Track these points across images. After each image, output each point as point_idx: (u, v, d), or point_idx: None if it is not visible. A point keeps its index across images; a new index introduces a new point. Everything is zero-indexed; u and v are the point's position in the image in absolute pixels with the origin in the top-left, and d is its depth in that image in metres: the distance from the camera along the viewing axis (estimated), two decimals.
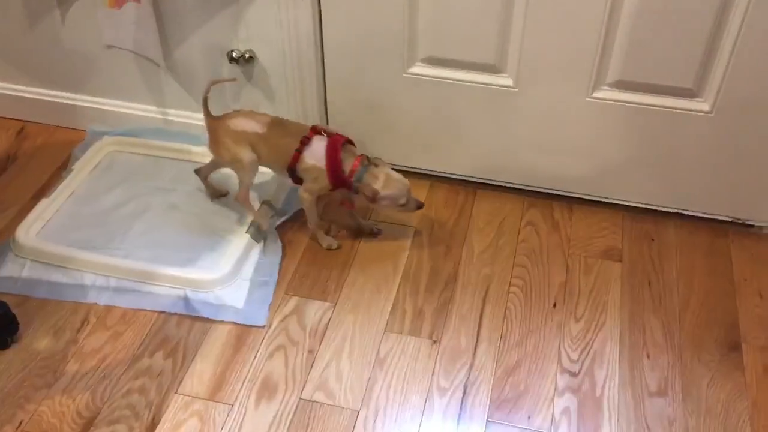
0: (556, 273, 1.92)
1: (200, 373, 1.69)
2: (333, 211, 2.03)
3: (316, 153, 1.82)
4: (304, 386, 1.66)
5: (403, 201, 1.83)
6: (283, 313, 1.82)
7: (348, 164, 1.82)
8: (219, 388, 1.66)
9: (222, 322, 1.79)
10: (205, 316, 1.80)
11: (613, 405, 1.62)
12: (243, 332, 1.77)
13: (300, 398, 1.64)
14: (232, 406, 1.63)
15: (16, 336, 1.73)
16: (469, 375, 1.69)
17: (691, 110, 1.84)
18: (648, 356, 1.72)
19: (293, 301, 1.85)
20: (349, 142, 1.87)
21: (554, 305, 1.84)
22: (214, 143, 1.91)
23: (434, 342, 1.76)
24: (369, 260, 1.96)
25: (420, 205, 1.86)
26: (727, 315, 1.81)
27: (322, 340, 1.76)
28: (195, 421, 1.60)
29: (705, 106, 1.83)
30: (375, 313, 1.82)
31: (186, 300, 1.82)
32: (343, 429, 1.58)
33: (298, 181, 1.89)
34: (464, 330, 1.78)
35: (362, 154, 1.85)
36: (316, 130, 1.84)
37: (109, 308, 1.81)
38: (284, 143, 1.84)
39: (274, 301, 1.84)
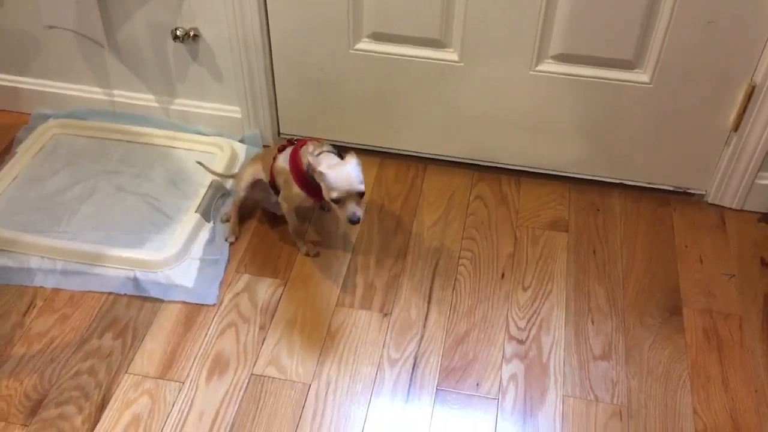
0: (504, 244, 1.95)
1: (150, 352, 1.68)
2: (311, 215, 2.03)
3: (283, 159, 1.77)
4: (255, 362, 1.67)
5: (335, 195, 1.61)
6: (234, 290, 1.82)
7: (307, 152, 1.72)
8: (169, 367, 1.66)
9: (172, 301, 1.79)
10: (155, 296, 1.79)
11: (559, 369, 1.66)
12: (194, 311, 1.77)
13: (252, 374, 1.65)
14: (183, 383, 1.63)
15: None
16: (419, 346, 1.71)
17: (631, 81, 1.88)
18: (592, 322, 1.76)
19: (244, 279, 1.85)
20: (317, 141, 1.77)
21: (502, 275, 1.87)
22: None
23: (385, 315, 1.78)
24: (319, 237, 1.97)
25: (354, 219, 1.62)
26: (668, 280, 1.86)
27: (273, 316, 1.77)
28: (145, 399, 1.59)
29: (645, 78, 1.87)
30: (326, 289, 1.83)
31: (135, 281, 1.81)
32: (295, 402, 1.60)
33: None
34: (414, 302, 1.80)
35: (316, 146, 1.73)
36: (286, 143, 1.81)
37: (56, 291, 1.79)
38: (269, 156, 1.85)
39: (224, 279, 1.84)
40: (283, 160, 1.76)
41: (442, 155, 2.16)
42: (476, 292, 1.83)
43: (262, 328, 1.74)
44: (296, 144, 1.77)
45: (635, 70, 1.87)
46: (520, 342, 1.72)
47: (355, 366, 1.67)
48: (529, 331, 1.74)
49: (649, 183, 2.09)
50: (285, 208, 1.82)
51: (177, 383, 1.62)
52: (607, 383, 1.64)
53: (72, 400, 1.58)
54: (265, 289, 1.83)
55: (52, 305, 1.76)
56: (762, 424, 1.56)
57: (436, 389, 1.63)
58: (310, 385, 1.63)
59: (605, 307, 1.80)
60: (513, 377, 1.65)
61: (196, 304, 1.78)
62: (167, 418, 1.56)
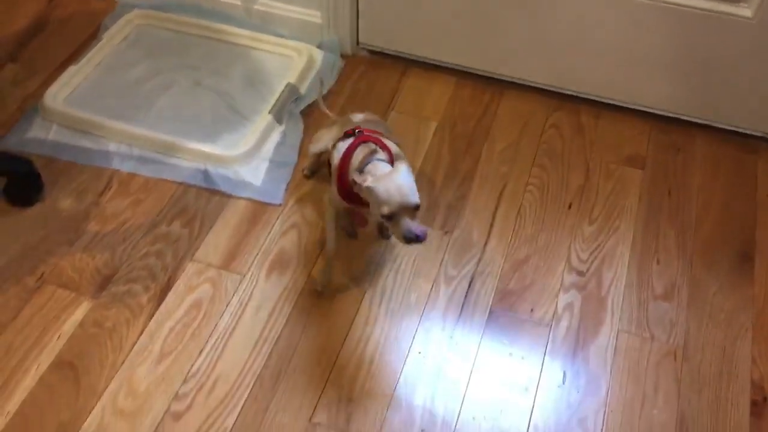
0: (575, 176, 1.90)
1: (215, 243, 1.73)
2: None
3: (338, 152, 1.50)
4: (315, 264, 1.70)
5: (386, 210, 1.33)
6: (300, 193, 1.84)
7: (357, 158, 1.45)
8: (232, 259, 1.71)
9: (239, 197, 1.82)
10: (224, 190, 1.83)
11: (617, 304, 1.64)
12: (259, 209, 1.81)
13: (310, 275, 1.68)
14: (244, 276, 1.67)
15: (40, 195, 1.79)
16: (477, 266, 1.71)
17: (733, 15, 1.77)
18: (658, 262, 1.72)
19: (310, 184, 1.87)
20: (380, 143, 1.47)
21: (569, 206, 1.83)
22: None
23: (446, 233, 1.77)
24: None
25: (411, 237, 1.34)
26: (744, 229, 1.79)
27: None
28: (208, 286, 1.65)
29: (748, 12, 1.75)
30: None
31: (206, 173, 1.85)
32: (349, 307, 1.63)
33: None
34: (477, 224, 1.79)
35: (375, 148, 1.46)
36: (354, 129, 1.52)
37: (132, 176, 1.85)
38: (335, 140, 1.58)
39: (291, 182, 1.87)
40: (338, 153, 1.50)
41: (522, 79, 2.10)
42: (540, 221, 1.80)
43: (324, 231, 1.76)
44: (356, 137, 1.49)
45: (738, 3, 1.75)
46: (580, 273, 1.70)
47: (411, 279, 1.69)
48: (591, 264, 1.72)
49: (737, 127, 1.99)
50: (326, 210, 1.61)
51: (238, 275, 1.67)
52: (665, 323, 1.61)
53: (140, 279, 1.65)
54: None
55: (127, 189, 1.82)
56: None
57: (490, 310, 1.63)
58: (365, 292, 1.66)
59: (673, 248, 1.75)
60: (568, 307, 1.64)
61: (262, 202, 1.82)
62: (227, 306, 1.62)
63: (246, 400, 1.47)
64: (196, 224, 1.77)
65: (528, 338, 1.59)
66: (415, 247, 1.73)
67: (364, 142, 1.47)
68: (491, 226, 1.79)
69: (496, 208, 1.83)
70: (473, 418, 1.47)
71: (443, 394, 1.50)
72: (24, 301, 1.60)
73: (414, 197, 1.35)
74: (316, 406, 1.47)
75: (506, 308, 1.64)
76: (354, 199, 1.45)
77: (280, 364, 1.53)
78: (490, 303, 1.64)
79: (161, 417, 1.44)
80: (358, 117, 1.64)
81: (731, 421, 1.46)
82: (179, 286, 1.65)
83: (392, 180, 1.35)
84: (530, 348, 1.57)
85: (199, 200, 1.82)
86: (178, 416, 1.44)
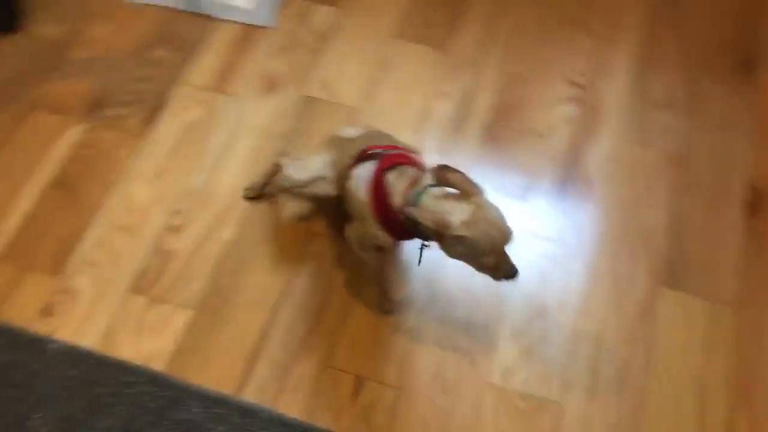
0: None
1: (206, 67, 1.69)
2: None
3: (360, 180, 1.24)
4: (307, 84, 1.67)
5: (492, 261, 1.13)
6: (292, 15, 1.78)
7: (399, 189, 1.19)
8: (224, 81, 1.67)
9: (230, 21, 1.76)
10: (214, 14, 1.77)
11: (616, 114, 1.62)
12: (250, 32, 1.75)
13: (301, 94, 1.66)
14: (237, 97, 1.65)
15: (20, 20, 1.73)
16: (473, 82, 1.67)
17: None
18: (657, 71, 1.68)
19: (303, 5, 1.80)
20: (411, 162, 1.23)
21: (569, 20, 1.77)
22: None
23: (443, 50, 1.72)
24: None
25: (512, 274, 1.15)
26: (752, 39, 1.73)
27: (327, 43, 1.74)
28: (200, 108, 1.63)
29: None
30: (384, 20, 1.77)
31: None
32: (343, 120, 1.60)
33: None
34: (474, 43, 1.74)
35: (421, 173, 1.21)
36: (368, 150, 1.25)
37: (116, 1, 1.79)
38: (346, 155, 1.29)
39: (283, 4, 1.80)
40: (359, 182, 1.23)
41: None
42: (538, 32, 1.75)
43: (316, 52, 1.72)
44: (381, 160, 1.22)
45: None
46: (579, 86, 1.66)
47: (406, 95, 1.66)
48: (590, 76, 1.68)
49: None
50: (354, 245, 1.32)
51: (231, 96, 1.65)
52: (662, 131, 1.59)
53: (130, 103, 1.63)
54: (324, 15, 1.78)
55: (111, 15, 1.76)
56: None
57: (487, 124, 1.61)
58: (358, 109, 1.63)
59: (674, 57, 1.70)
60: (567, 119, 1.62)
61: (254, 25, 1.76)
62: (220, 127, 1.60)
63: (243, 214, 1.48)
64: (186, 49, 1.72)
65: (525, 150, 1.58)
66: (410, 63, 1.70)
67: (393, 165, 1.21)
68: (487, 42, 1.74)
69: (495, 28, 1.77)
70: None
71: None
72: (14, 126, 1.58)
73: (511, 230, 1.13)
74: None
75: (503, 122, 1.61)
76: (407, 233, 1.21)
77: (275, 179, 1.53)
78: (487, 117, 1.62)
79: (161, 231, 1.46)
80: (350, 132, 1.35)
81: (724, 220, 1.48)
82: (171, 108, 1.62)
83: (486, 221, 1.11)
84: (527, 159, 1.56)
85: (189, 25, 1.76)
86: (177, 229, 1.46)
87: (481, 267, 1.13)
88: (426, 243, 1.21)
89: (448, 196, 1.14)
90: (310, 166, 1.36)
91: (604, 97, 1.65)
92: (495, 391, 1.28)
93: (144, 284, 1.39)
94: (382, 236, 1.23)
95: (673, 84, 1.66)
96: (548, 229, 1.47)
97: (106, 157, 1.55)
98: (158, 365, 1.30)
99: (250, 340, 1.33)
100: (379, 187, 1.19)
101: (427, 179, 1.18)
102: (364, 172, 1.23)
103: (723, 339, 1.33)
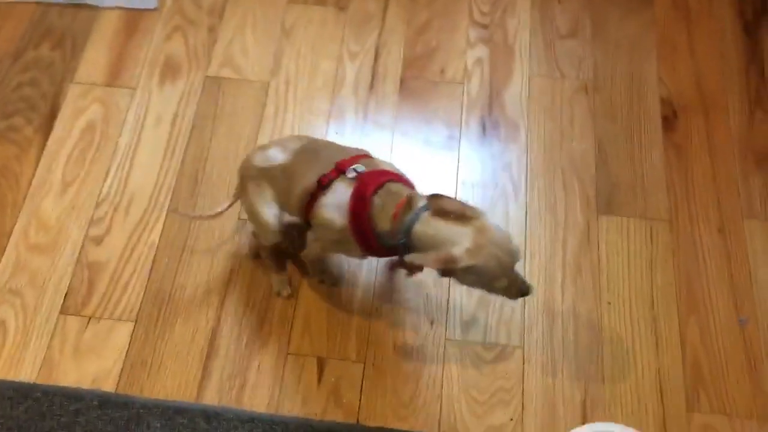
0: None
1: (94, 60, 1.57)
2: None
3: (335, 202, 1.13)
4: (208, 64, 1.58)
5: (504, 283, 1.09)
6: None
7: (386, 214, 1.10)
8: (118, 74, 1.56)
9: (109, 8, 1.64)
10: (90, 2, 1.64)
11: (525, 51, 1.61)
12: (134, 17, 1.64)
13: (206, 76, 1.57)
14: (135, 89, 1.54)
15: None
16: (380, 38, 1.63)
17: None
18: (559, 1, 1.68)
19: None
20: (392, 177, 1.14)
21: None
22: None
23: (341, 9, 1.66)
24: None
25: (526, 291, 1.12)
26: None
27: (222, 18, 1.65)
28: (97, 107, 1.52)
29: None
30: None
31: None
32: (255, 100, 1.54)
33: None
34: None
35: (412, 194, 1.12)
36: (343, 166, 1.15)
37: None
38: (300, 179, 1.17)
39: None
40: (333, 211, 1.13)
41: None
42: None
43: (211, 30, 1.63)
44: (360, 184, 1.12)
45: None
46: (484, 27, 1.65)
47: (314, 61, 1.60)
48: (494, 16, 1.66)
49: None
50: (314, 254, 1.27)
51: (128, 89, 1.54)
52: (573, 61, 1.60)
53: (19, 112, 1.50)
54: None
55: None
56: (726, 85, 1.56)
57: (400, 79, 1.58)
58: (269, 83, 1.56)
59: None
60: (478, 61, 1.60)
61: (136, 9, 1.64)
62: (123, 124, 1.50)
63: (167, 213, 1.41)
64: (67, 44, 1.59)
65: (443, 99, 1.56)
66: (312, 27, 1.64)
67: (376, 187, 1.11)
68: None
69: None
70: None
71: None
72: None
73: (518, 249, 1.09)
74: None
75: (416, 74, 1.58)
76: (392, 253, 1.15)
77: (194, 169, 1.45)
78: (400, 71, 1.59)
79: (81, 244, 1.36)
80: (271, 156, 1.20)
81: (645, 139, 1.51)
82: (65, 111, 1.51)
83: (492, 244, 1.05)
84: (447, 108, 1.54)
85: (64, 18, 1.63)
86: (98, 240, 1.37)
87: (493, 290, 1.09)
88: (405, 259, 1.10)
89: (445, 218, 1.06)
90: (272, 206, 1.22)
91: (510, 34, 1.64)
92: (457, 345, 1.28)
93: (74, 304, 1.31)
94: (359, 252, 1.16)
95: (575, 12, 1.67)
96: (479, 176, 1.47)
97: (4, 175, 1.43)
98: (107, 386, 1.23)
99: (200, 341, 1.28)
100: (362, 218, 1.10)
101: (420, 201, 1.09)
102: (336, 198, 1.12)
103: (663, 255, 1.38)
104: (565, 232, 1.40)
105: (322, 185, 1.14)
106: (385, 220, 1.10)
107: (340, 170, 1.14)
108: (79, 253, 1.35)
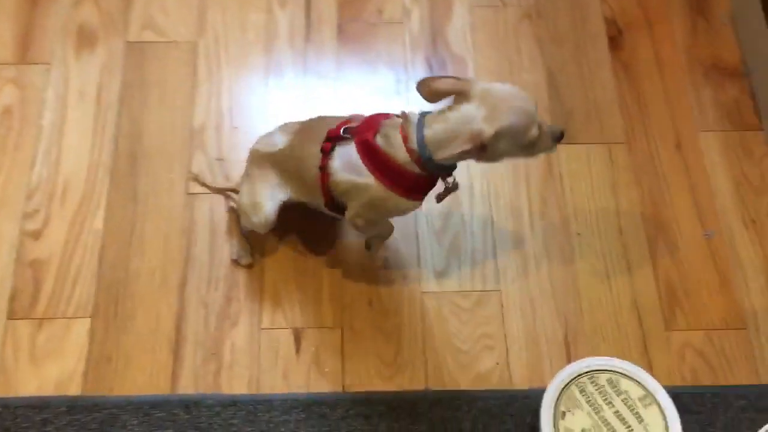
0: None
1: None
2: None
3: (345, 163, 1.08)
4: (126, 29, 1.46)
5: (535, 131, 1.02)
6: None
7: (398, 146, 1.04)
8: (27, 49, 1.43)
9: None
10: None
11: None
12: None
13: (126, 41, 1.45)
14: (50, 64, 1.41)
15: None
16: None
17: None
18: None
19: None
20: (383, 117, 1.10)
21: None
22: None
23: None
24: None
25: (561, 133, 1.08)
26: None
27: None
28: (11, 88, 1.39)
29: None
30: None
31: None
32: (184, 64, 1.43)
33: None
34: None
35: (403, 114, 1.07)
36: (335, 133, 1.09)
37: None
38: (306, 157, 1.12)
39: None
40: (348, 172, 1.08)
41: None
42: None
43: None
44: (357, 134, 1.07)
45: None
46: None
47: (241, 14, 1.49)
48: None
49: None
50: (365, 228, 1.18)
51: (43, 65, 1.41)
52: None
53: None
54: None
55: None
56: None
57: (337, 24, 1.49)
58: (197, 43, 1.45)
59: None
60: None
61: None
62: (43, 104, 1.38)
63: (109, 194, 1.31)
64: None
65: (384, 41, 1.48)
66: None
67: (374, 130, 1.06)
68: None
69: None
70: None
71: None
72: None
73: (527, 93, 1.04)
74: (187, 177, 1.33)
75: (353, 17, 1.50)
76: (432, 183, 1.09)
77: (131, 146, 1.35)
78: (335, 16, 1.50)
79: (18, 241, 1.26)
80: (275, 141, 1.16)
81: (593, 62, 1.48)
82: None
83: (503, 100, 1.00)
84: (389, 51, 1.47)
85: None
86: (36, 234, 1.27)
87: (530, 146, 1.03)
88: (449, 181, 1.08)
89: (447, 109, 1.02)
90: (262, 192, 1.16)
91: None
92: (435, 297, 1.25)
93: (21, 307, 1.21)
94: (411, 204, 1.10)
95: None
96: None
97: None
98: (73, 389, 1.16)
99: (165, 328, 1.21)
100: (380, 158, 1.05)
101: (413, 116, 1.05)
102: (344, 159, 1.07)
103: (625, 177, 1.36)
104: (526, 167, 1.37)
105: (325, 153, 1.08)
106: (400, 152, 1.04)
107: (333, 137, 1.08)
108: (17, 251, 1.25)
